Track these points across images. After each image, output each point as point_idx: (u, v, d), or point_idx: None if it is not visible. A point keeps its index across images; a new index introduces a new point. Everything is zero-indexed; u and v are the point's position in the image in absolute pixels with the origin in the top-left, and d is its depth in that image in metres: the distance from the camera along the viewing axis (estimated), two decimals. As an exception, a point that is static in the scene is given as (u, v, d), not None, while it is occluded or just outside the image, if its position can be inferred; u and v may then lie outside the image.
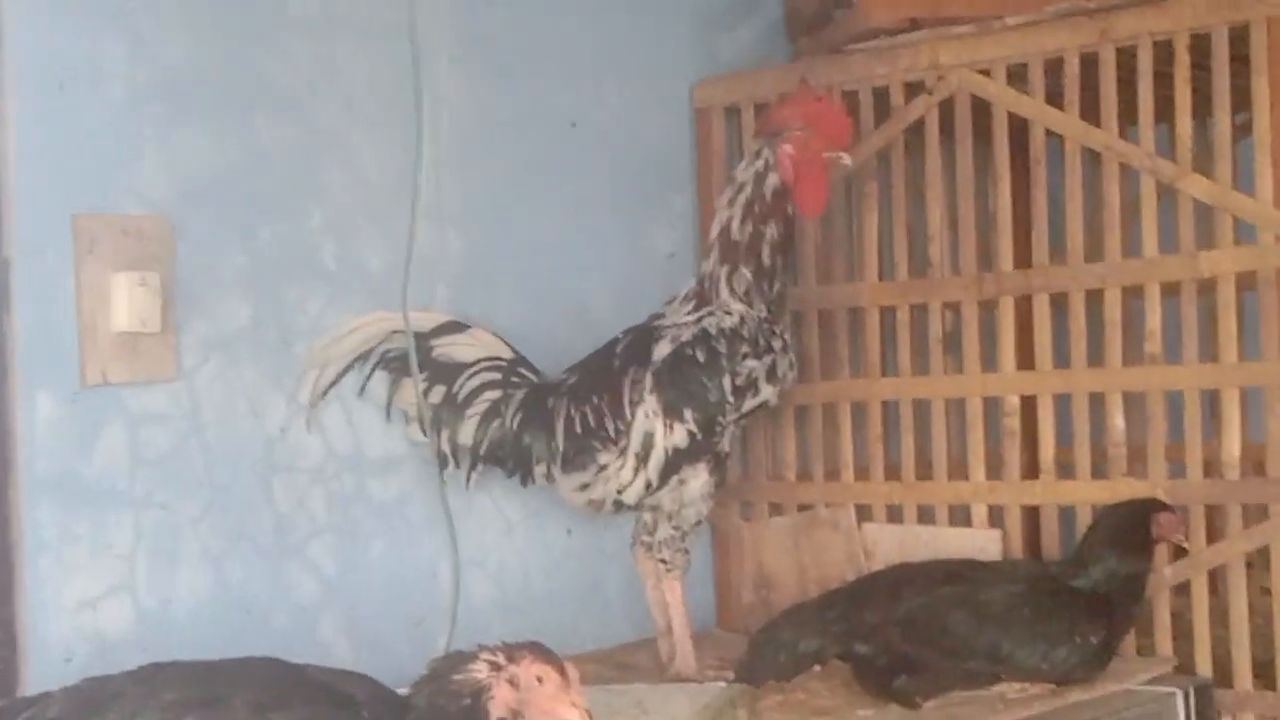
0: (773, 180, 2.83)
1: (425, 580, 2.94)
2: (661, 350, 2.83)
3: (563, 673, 1.87)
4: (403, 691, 1.95)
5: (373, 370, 2.84)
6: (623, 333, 2.92)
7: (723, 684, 2.69)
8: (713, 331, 2.81)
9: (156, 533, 2.58)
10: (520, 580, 3.12)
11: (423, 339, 2.84)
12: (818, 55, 3.31)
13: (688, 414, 2.79)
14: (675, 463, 2.81)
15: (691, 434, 2.80)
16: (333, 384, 2.79)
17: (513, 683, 1.88)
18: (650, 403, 2.80)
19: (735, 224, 2.85)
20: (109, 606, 2.52)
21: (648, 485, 2.82)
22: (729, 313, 2.82)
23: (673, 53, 3.43)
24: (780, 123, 2.85)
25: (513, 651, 1.88)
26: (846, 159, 2.88)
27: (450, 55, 3.00)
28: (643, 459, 2.81)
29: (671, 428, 2.80)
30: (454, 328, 2.87)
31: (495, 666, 1.88)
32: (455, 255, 3.03)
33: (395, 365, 2.84)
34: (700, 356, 2.80)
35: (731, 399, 2.80)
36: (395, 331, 2.82)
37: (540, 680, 1.88)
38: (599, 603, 3.25)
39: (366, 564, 2.87)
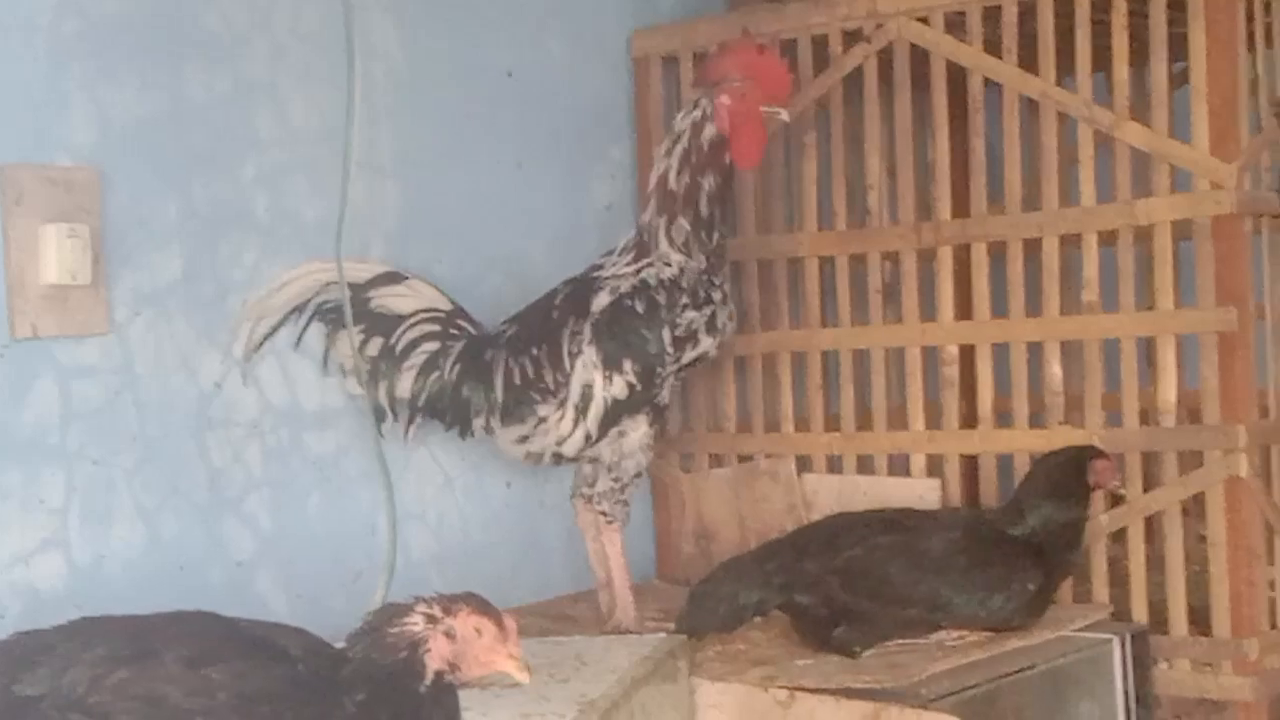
0: (710, 131, 2.81)
1: (363, 534, 2.92)
2: (600, 301, 2.82)
3: (500, 624, 1.86)
4: (339, 645, 1.94)
5: (308, 322, 2.81)
6: (562, 284, 2.90)
7: (663, 635, 2.69)
8: (652, 283, 2.80)
9: (89, 487, 2.55)
10: (459, 533, 3.11)
11: (359, 290, 2.81)
12: (756, 4, 3.28)
13: (627, 365, 2.78)
14: (614, 414, 2.80)
15: (631, 385, 2.79)
16: (267, 337, 2.76)
17: (449, 635, 1.87)
18: (589, 354, 2.79)
19: (672, 174, 2.83)
20: (41, 562, 2.49)
21: (587, 437, 2.81)
22: (668, 264, 2.81)
23: (611, 2, 3.40)
24: (720, 73, 2.83)
25: (449, 604, 1.87)
26: (784, 114, 2.85)
27: (383, 4, 2.97)
28: (582, 410, 2.80)
29: (610, 379, 2.79)
30: (391, 279, 2.84)
31: (431, 619, 1.87)
32: (391, 207, 3.00)
33: (331, 317, 2.82)
34: (639, 308, 2.79)
35: (671, 350, 2.79)
36: (330, 283, 2.80)
37: (478, 632, 1.87)
38: (538, 555, 3.25)
39: (303, 518, 2.85)
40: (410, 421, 2.85)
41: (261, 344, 2.76)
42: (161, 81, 2.66)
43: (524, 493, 3.23)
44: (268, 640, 1.90)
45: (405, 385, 2.83)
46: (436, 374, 2.82)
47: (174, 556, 2.65)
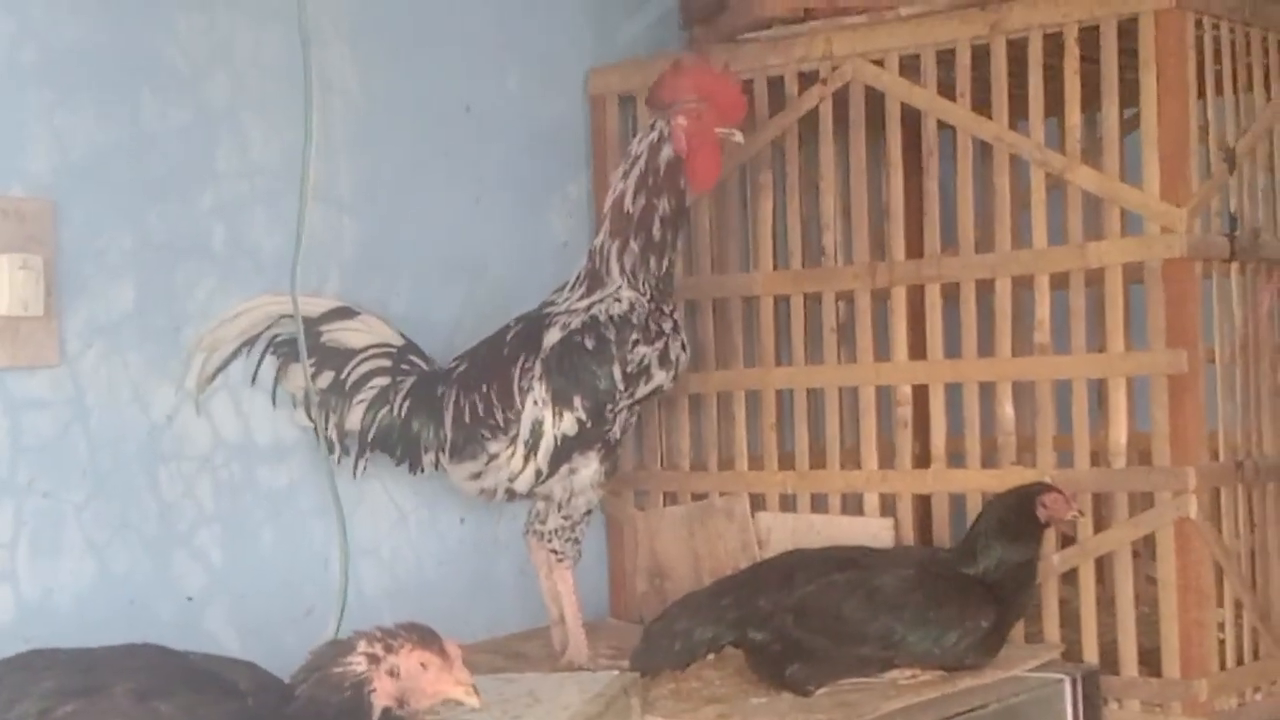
0: (666, 152, 2.82)
1: (316, 569, 2.91)
2: (552, 338, 2.82)
3: (443, 654, 1.85)
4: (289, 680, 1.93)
5: (262, 356, 2.80)
6: (514, 320, 2.90)
7: (615, 673, 2.68)
8: (602, 319, 2.80)
9: (38, 521, 2.53)
10: (413, 569, 3.10)
11: (312, 324, 2.81)
12: (712, 44, 3.30)
13: (577, 402, 2.78)
14: (565, 451, 2.80)
15: (580, 421, 2.79)
16: (219, 369, 2.75)
17: (393, 673, 1.86)
18: (539, 390, 2.79)
19: (628, 196, 2.83)
20: (-11, 595, 2.47)
21: (538, 474, 2.81)
22: (619, 300, 2.81)
23: (569, 39, 3.42)
24: (675, 95, 2.83)
25: (390, 640, 1.86)
26: (738, 136, 2.85)
27: (342, 36, 2.97)
28: (532, 447, 2.79)
29: (560, 415, 2.79)
30: (344, 313, 2.84)
31: (374, 659, 1.86)
32: (349, 240, 3.00)
33: (284, 350, 2.81)
34: (589, 344, 2.79)
35: (622, 386, 2.79)
36: (283, 316, 2.79)
37: (423, 666, 1.86)
38: (492, 591, 3.24)
39: (255, 553, 2.83)
40: (360, 455, 2.84)
41: (214, 376, 2.75)
42: (119, 111, 2.65)
43: (478, 529, 3.22)
44: (217, 674, 1.89)
45: (355, 419, 2.82)
46: (386, 409, 2.81)
47: (124, 591, 2.63)
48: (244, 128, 2.82)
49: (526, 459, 2.80)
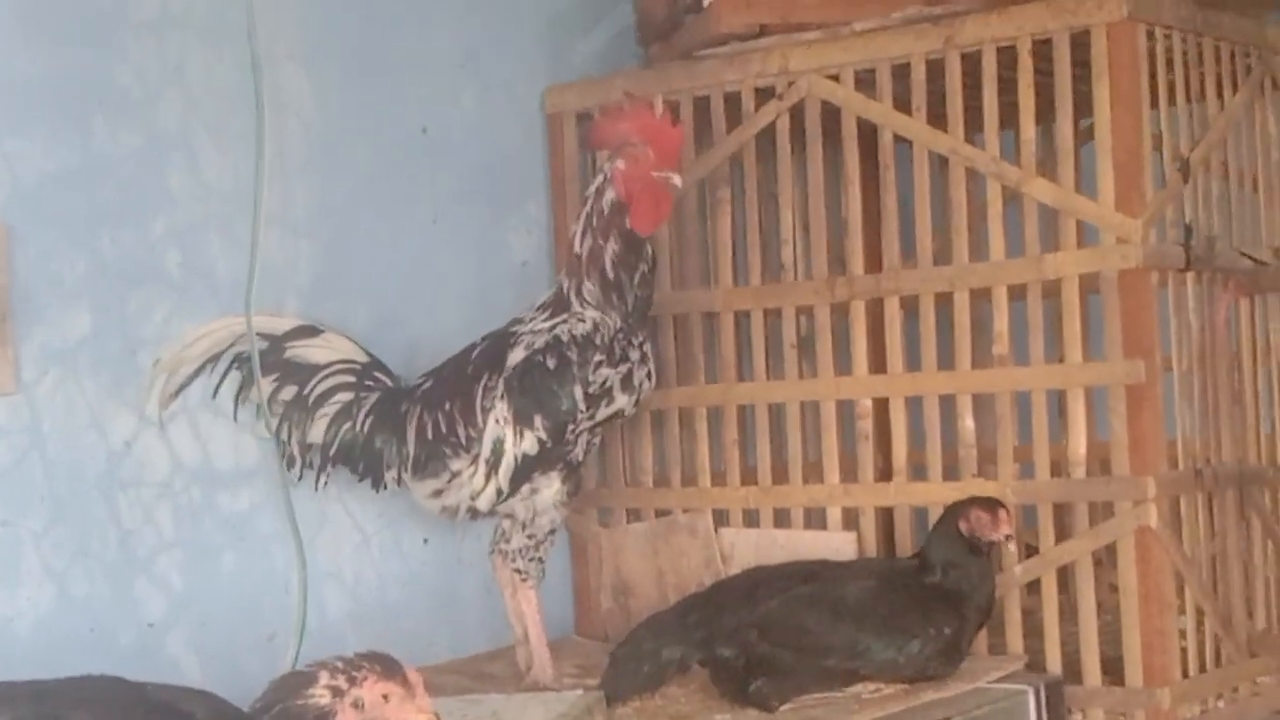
0: (609, 196, 2.82)
1: (277, 593, 2.89)
2: (515, 357, 2.82)
3: (405, 683, 1.84)
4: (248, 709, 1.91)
5: (225, 374, 2.79)
6: (481, 338, 2.90)
7: (580, 692, 2.67)
8: (564, 339, 2.80)
9: (-4, 549, 2.52)
10: (376, 591, 3.09)
11: (276, 342, 2.81)
12: (669, 61, 3.31)
13: (538, 421, 2.78)
14: (525, 470, 2.80)
15: (541, 441, 2.78)
16: (182, 388, 2.74)
17: (357, 706, 1.85)
18: (500, 409, 2.79)
19: (577, 238, 2.84)
20: (-54, 625, 2.45)
21: (499, 492, 2.81)
22: (582, 320, 2.81)
23: (525, 58, 3.42)
24: (619, 137, 2.83)
25: (353, 671, 1.85)
26: (677, 179, 2.83)
27: (294, 58, 2.96)
28: (493, 466, 2.79)
29: (521, 434, 2.78)
30: (308, 332, 2.84)
31: (337, 691, 1.85)
32: (306, 263, 2.99)
33: (247, 368, 2.80)
34: (551, 364, 2.78)
35: (584, 407, 2.78)
36: (245, 335, 2.78)
37: (385, 698, 1.85)
38: (456, 612, 3.23)
39: (216, 578, 2.82)
40: (322, 470, 2.84)
41: (177, 394, 2.74)
42: (70, 136, 2.64)
43: (441, 550, 3.21)
44: (174, 706, 1.88)
45: (317, 433, 2.82)
46: (349, 424, 2.81)
47: (84, 618, 2.62)
48: (197, 151, 2.82)
49: (488, 477, 2.80)
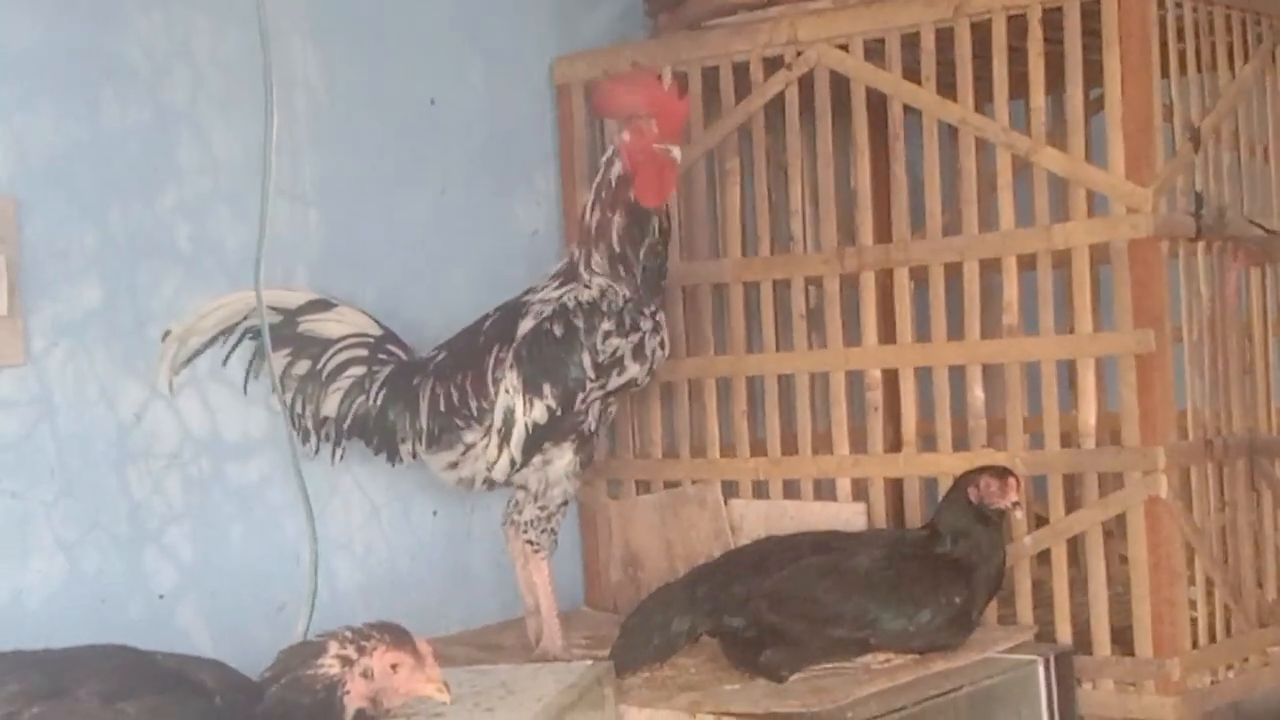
0: (616, 168, 2.81)
1: (287, 564, 2.90)
2: (525, 326, 2.82)
3: (414, 652, 1.85)
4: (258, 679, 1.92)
5: (235, 345, 2.79)
6: (495, 309, 2.90)
7: (589, 663, 2.68)
8: (570, 306, 2.80)
9: (6, 521, 2.52)
10: (386, 563, 3.10)
11: (289, 316, 2.81)
12: (677, 31, 3.30)
13: (546, 389, 2.78)
14: (536, 439, 2.80)
15: (550, 409, 2.78)
16: (193, 357, 2.74)
17: (366, 675, 1.86)
18: (511, 379, 2.79)
19: (588, 210, 2.84)
20: (-43, 597, 2.46)
21: (512, 462, 2.81)
22: (588, 287, 2.81)
23: (533, 29, 3.41)
24: (626, 108, 2.82)
25: (362, 641, 1.86)
26: (676, 153, 2.81)
27: (301, 32, 2.96)
28: (505, 436, 2.79)
29: (531, 404, 2.78)
30: (321, 305, 2.84)
31: (346, 661, 1.86)
32: (314, 235, 2.99)
33: (259, 342, 2.79)
34: (558, 331, 2.79)
35: (593, 375, 2.78)
36: (258, 308, 2.77)
37: (394, 668, 1.86)
38: (466, 584, 3.24)
39: (226, 549, 2.82)
40: (336, 444, 2.84)
41: (188, 361, 2.74)
42: (79, 111, 2.64)
43: (451, 522, 3.22)
44: (184, 674, 1.89)
45: (330, 407, 2.82)
46: (362, 398, 2.82)
47: (94, 589, 2.62)
48: (205, 125, 2.82)
49: (500, 448, 2.80)
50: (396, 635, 1.87)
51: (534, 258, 3.33)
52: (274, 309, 2.79)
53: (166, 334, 2.72)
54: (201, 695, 1.86)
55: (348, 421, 2.82)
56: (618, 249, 2.81)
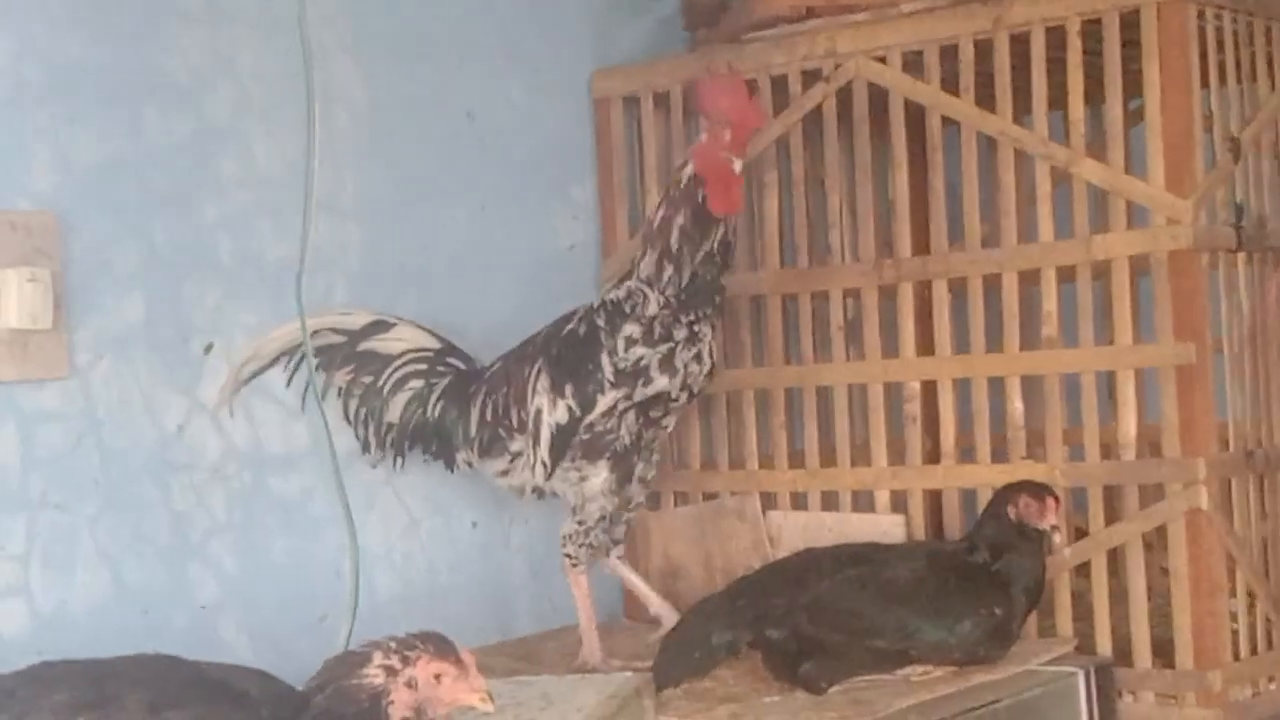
0: (688, 169, 2.81)
1: (328, 576, 2.91)
2: (564, 329, 2.85)
3: (459, 662, 1.86)
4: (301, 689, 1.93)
5: (295, 368, 2.84)
6: (558, 318, 2.93)
7: (629, 674, 2.68)
8: (595, 306, 2.82)
9: (51, 533, 2.54)
10: (425, 574, 3.11)
11: (352, 337, 2.87)
12: (715, 44, 3.31)
13: (568, 389, 2.80)
14: (561, 442, 2.81)
15: (570, 410, 2.79)
16: (254, 376, 2.79)
17: (410, 685, 1.87)
18: (542, 381, 2.82)
19: (656, 206, 2.85)
20: (2, 609, 2.47)
21: (544, 465, 2.83)
22: (618, 288, 2.83)
23: (571, 42, 3.42)
24: (713, 110, 2.79)
25: (407, 651, 1.87)
26: (736, 165, 2.79)
27: (343, 46, 2.98)
28: (536, 438, 2.81)
29: (555, 404, 2.80)
30: (381, 326, 2.90)
31: (391, 671, 1.86)
32: (355, 249, 3.00)
33: (322, 360, 2.87)
34: (581, 331, 2.81)
35: (612, 378, 2.78)
36: (317, 331, 2.85)
37: (438, 677, 1.86)
38: (505, 595, 3.24)
39: (268, 561, 2.84)
40: (399, 452, 2.90)
41: (245, 384, 2.78)
42: (122, 125, 2.66)
43: (489, 533, 3.23)
44: (229, 684, 1.90)
45: (394, 415, 2.88)
46: (421, 409, 2.87)
47: (138, 601, 2.64)
48: (247, 139, 2.84)
49: (534, 451, 2.82)
50: (440, 645, 1.87)
51: (572, 272, 3.35)
52: (336, 331, 2.86)
53: (209, 348, 2.75)
54: (247, 705, 1.87)
55: (409, 430, 2.88)
56: (674, 248, 2.79)
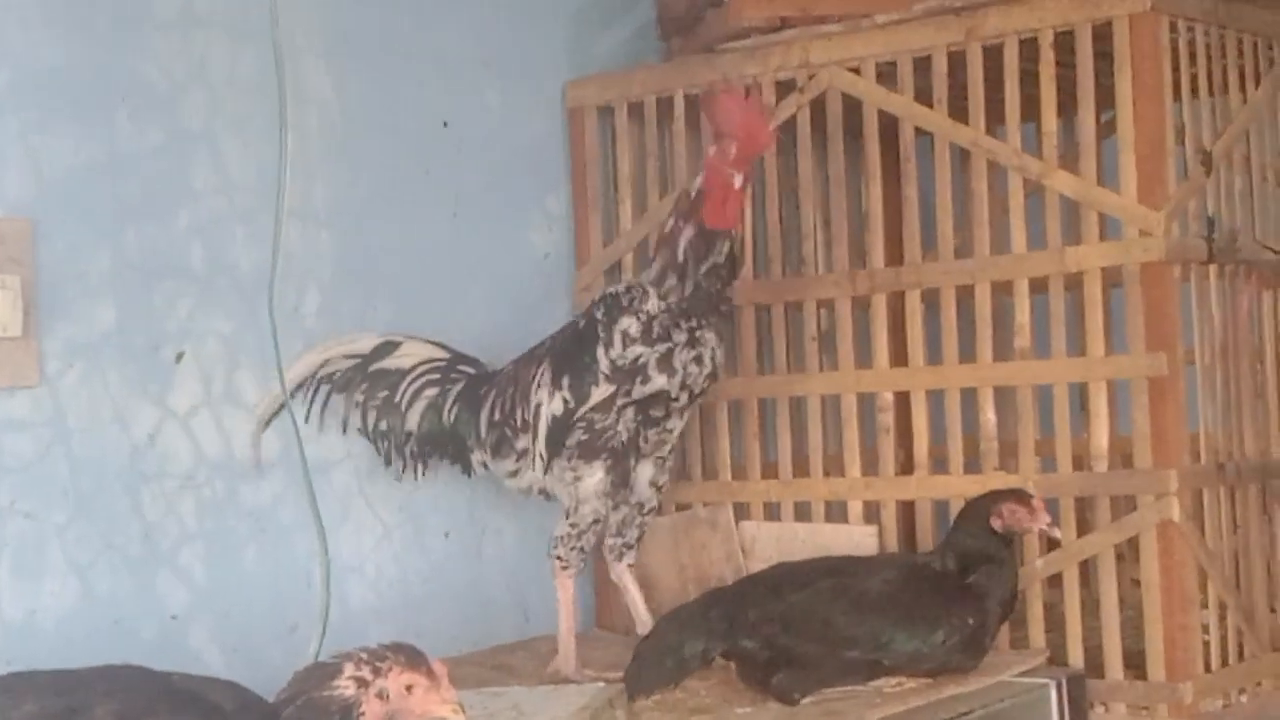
0: (697, 182, 2.82)
1: (299, 586, 2.90)
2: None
3: (430, 673, 1.85)
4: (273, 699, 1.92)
5: (313, 398, 2.89)
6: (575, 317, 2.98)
7: (601, 684, 2.68)
8: (595, 299, 2.86)
9: (20, 542, 2.52)
10: (398, 584, 3.10)
11: (364, 360, 2.91)
12: (690, 54, 3.31)
13: (564, 381, 2.82)
14: (557, 435, 2.82)
15: (565, 401, 2.81)
16: (275, 415, 2.85)
17: (382, 696, 1.86)
18: (544, 376, 2.85)
19: (668, 216, 2.86)
20: (-29, 618, 2.46)
21: (541, 458, 2.83)
22: (618, 283, 2.86)
23: (546, 52, 3.42)
24: (723, 124, 2.79)
25: (377, 662, 1.85)
26: (737, 181, 2.78)
27: (316, 53, 2.97)
28: (534, 431, 2.82)
29: (552, 395, 2.82)
30: (390, 346, 2.95)
31: (362, 682, 1.85)
32: (328, 256, 3.00)
33: (339, 384, 2.91)
34: (581, 323, 2.85)
35: (607, 371, 2.79)
36: (327, 359, 2.89)
37: (410, 689, 1.85)
38: (478, 605, 3.23)
39: (239, 570, 2.82)
40: (419, 460, 2.94)
41: (268, 423, 2.84)
42: (95, 132, 2.65)
43: (463, 544, 3.22)
44: (199, 695, 1.88)
45: (410, 427, 2.92)
46: (437, 416, 2.92)
47: (107, 611, 2.63)
48: (220, 146, 2.82)
49: (534, 443, 2.84)
50: (411, 656, 1.86)
51: (546, 280, 3.35)
52: (348, 356, 2.90)
53: (180, 356, 2.74)
54: (217, 716, 1.85)
55: (426, 440, 2.92)
56: (680, 258, 2.79)
